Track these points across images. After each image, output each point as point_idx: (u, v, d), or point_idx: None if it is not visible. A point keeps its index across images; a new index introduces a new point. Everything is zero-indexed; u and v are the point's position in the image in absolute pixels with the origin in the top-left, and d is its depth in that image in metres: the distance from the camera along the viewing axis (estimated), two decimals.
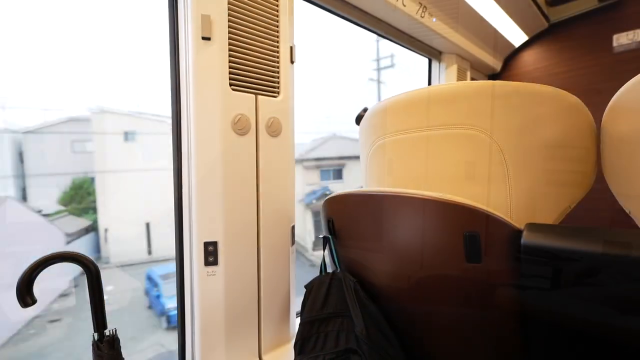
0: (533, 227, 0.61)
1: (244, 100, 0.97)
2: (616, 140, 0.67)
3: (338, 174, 12.05)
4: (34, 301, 0.62)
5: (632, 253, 0.50)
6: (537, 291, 0.61)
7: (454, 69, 2.08)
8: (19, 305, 0.61)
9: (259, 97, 1.00)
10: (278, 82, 1.04)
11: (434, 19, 1.67)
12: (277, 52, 1.04)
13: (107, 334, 0.68)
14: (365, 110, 1.03)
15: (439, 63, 2.11)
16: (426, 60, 2.16)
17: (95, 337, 0.67)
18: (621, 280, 0.51)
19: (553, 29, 2.25)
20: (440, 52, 2.08)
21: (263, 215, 1.02)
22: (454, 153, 0.76)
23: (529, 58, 2.40)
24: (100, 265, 0.68)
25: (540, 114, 0.70)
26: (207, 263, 0.93)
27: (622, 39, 1.99)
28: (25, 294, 0.61)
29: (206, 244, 0.93)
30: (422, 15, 1.58)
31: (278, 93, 1.05)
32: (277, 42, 1.04)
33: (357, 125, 1.07)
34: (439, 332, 0.78)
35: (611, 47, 2.01)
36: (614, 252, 0.51)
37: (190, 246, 0.96)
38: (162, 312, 5.79)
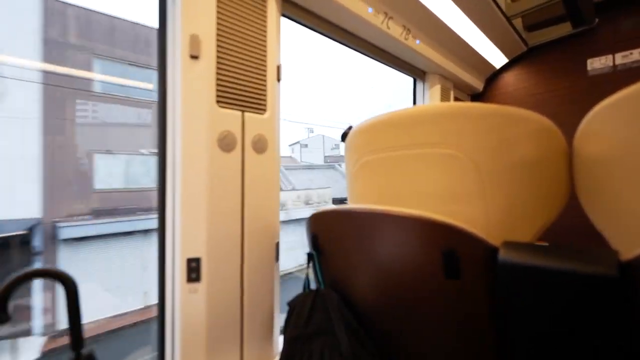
0: (509, 245, 0.63)
1: (231, 117, 0.98)
2: (587, 162, 0.70)
3: None
4: (7, 318, 0.61)
5: (599, 271, 0.52)
6: (514, 307, 0.62)
7: (437, 88, 2.14)
8: None
9: (246, 114, 1.01)
10: (265, 100, 1.06)
11: (418, 41, 1.73)
12: (265, 70, 1.06)
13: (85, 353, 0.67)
14: (350, 128, 1.05)
15: (423, 83, 2.17)
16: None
17: (72, 357, 0.66)
18: (591, 297, 0.53)
19: (531, 52, 2.36)
20: (424, 72, 2.14)
21: (247, 231, 1.02)
22: (434, 172, 0.78)
23: (510, 79, 2.50)
24: None
25: (515, 134, 0.73)
26: (190, 280, 0.92)
27: (595, 64, 2.10)
28: None
29: (189, 260, 0.92)
30: (406, 37, 1.64)
31: (265, 110, 1.07)
32: (265, 61, 1.07)
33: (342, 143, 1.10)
34: (422, 348, 0.78)
35: (586, 71, 2.12)
36: (583, 270, 0.53)
37: (172, 262, 0.95)
38: None
